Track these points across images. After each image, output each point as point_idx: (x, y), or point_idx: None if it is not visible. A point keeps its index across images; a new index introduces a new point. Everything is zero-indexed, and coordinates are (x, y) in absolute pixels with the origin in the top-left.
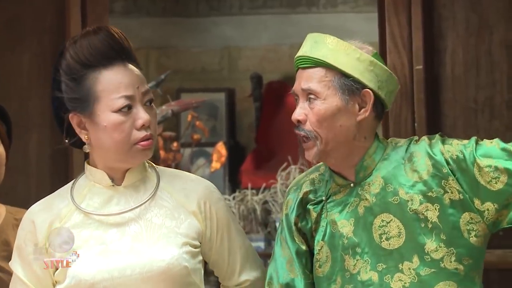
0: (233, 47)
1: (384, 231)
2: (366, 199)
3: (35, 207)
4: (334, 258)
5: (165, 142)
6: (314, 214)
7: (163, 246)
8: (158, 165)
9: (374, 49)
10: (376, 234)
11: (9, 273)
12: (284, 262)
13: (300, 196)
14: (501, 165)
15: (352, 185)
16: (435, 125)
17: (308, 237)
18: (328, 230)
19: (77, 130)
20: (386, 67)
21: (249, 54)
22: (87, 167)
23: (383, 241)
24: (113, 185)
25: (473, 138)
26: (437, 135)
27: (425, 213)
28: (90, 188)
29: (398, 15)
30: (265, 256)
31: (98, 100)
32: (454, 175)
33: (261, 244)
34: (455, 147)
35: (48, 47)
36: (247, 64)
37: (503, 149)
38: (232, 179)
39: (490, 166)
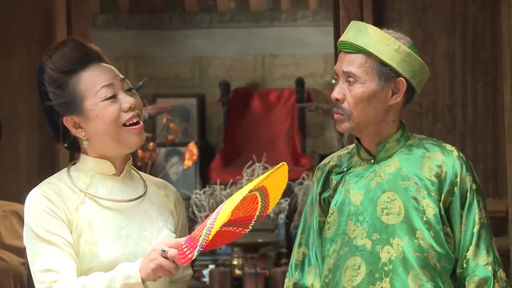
0: (203, 57)
1: (387, 206)
2: (380, 176)
3: (48, 191)
4: (340, 222)
5: None
6: (334, 182)
7: (166, 238)
8: (135, 163)
9: (410, 40)
10: (379, 207)
11: (1, 259)
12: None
13: (327, 169)
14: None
15: (372, 161)
16: None
17: (326, 206)
18: (341, 197)
19: (73, 131)
20: (419, 58)
21: (218, 64)
22: (88, 158)
23: (384, 215)
24: (114, 174)
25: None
26: (474, 174)
27: (424, 207)
28: (91, 178)
29: None
30: (232, 245)
31: (84, 98)
32: (452, 198)
33: None
34: (476, 208)
35: (36, 57)
36: (216, 72)
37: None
38: (202, 176)
39: (469, 244)
